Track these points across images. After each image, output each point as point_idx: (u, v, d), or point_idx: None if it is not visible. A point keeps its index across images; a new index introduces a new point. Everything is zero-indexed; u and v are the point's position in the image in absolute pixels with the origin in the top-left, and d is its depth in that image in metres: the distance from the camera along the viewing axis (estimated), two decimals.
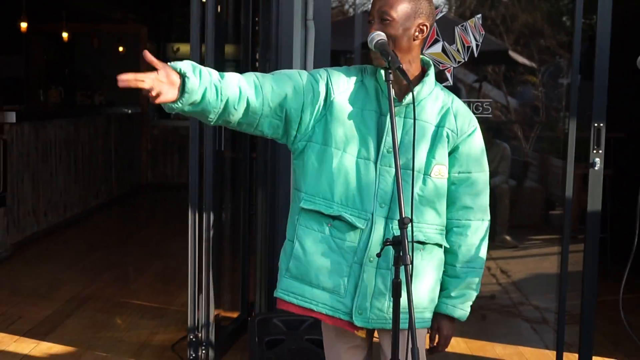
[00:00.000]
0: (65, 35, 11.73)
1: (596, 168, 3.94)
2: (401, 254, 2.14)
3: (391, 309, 2.18)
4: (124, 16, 11.30)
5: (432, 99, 2.37)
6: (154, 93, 2.05)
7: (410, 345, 2.07)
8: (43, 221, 7.67)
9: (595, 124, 3.94)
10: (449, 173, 2.39)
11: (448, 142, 2.36)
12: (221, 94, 2.17)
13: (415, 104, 2.24)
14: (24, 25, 10.35)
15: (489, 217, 2.44)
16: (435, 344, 2.45)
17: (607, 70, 3.92)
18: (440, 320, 2.43)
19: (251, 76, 2.27)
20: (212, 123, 2.26)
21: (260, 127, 2.30)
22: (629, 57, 3.33)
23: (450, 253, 2.43)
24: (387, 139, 2.30)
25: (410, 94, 2.25)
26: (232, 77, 2.22)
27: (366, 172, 2.32)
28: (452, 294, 2.42)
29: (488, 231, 2.44)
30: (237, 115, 2.23)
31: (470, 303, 2.44)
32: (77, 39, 12.68)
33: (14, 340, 4.50)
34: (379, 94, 2.35)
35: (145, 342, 4.53)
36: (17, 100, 10.18)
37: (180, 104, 2.11)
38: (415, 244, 2.33)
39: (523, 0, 4.65)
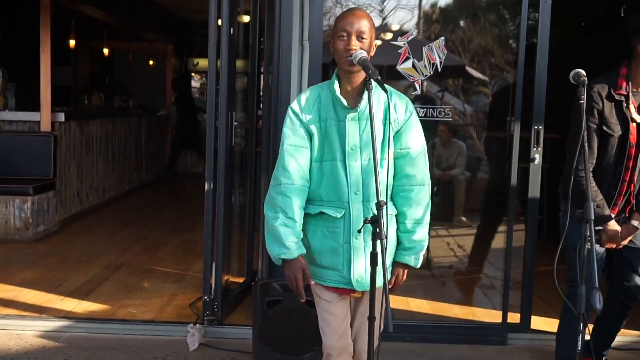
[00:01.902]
0: (106, 50, 11.65)
1: (536, 162, 3.92)
2: (377, 230, 2.16)
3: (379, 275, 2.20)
4: (154, 36, 11.21)
5: (376, 99, 2.36)
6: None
7: (384, 304, 2.11)
8: (85, 202, 7.62)
9: (535, 127, 3.92)
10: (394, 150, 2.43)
11: (393, 129, 2.40)
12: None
13: (371, 107, 2.23)
14: (72, 42, 10.29)
15: (429, 182, 2.45)
16: (392, 286, 2.48)
17: (545, 83, 3.91)
18: (398, 268, 2.46)
19: (302, 188, 2.38)
20: None
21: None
22: (562, 71, 3.33)
23: (400, 214, 2.45)
24: (350, 140, 2.34)
25: (362, 101, 2.32)
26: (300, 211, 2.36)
27: (337, 171, 2.36)
28: (406, 246, 2.44)
29: (429, 192, 2.46)
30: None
31: (422, 253, 2.45)
32: (116, 54, 12.59)
33: (60, 300, 4.46)
34: (335, 104, 2.37)
35: (167, 302, 4.48)
36: (66, 103, 10.12)
37: None
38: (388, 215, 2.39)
39: (477, 26, 4.63)
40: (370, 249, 2.22)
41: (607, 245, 3.10)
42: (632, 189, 3.09)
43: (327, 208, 2.37)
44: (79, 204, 7.41)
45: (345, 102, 2.34)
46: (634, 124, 3.00)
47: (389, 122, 2.36)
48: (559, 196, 3.35)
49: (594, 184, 3.04)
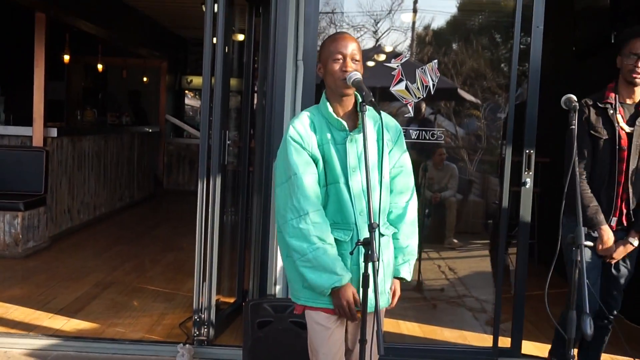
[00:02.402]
0: (100, 66, 11.67)
1: (527, 186, 3.94)
2: (370, 252, 2.16)
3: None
4: (149, 53, 11.24)
5: (368, 120, 2.38)
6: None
7: (376, 327, 2.12)
8: (76, 218, 7.58)
9: (527, 151, 3.94)
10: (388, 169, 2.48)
11: (388, 148, 2.44)
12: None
13: (365, 128, 2.26)
14: (66, 57, 10.30)
15: (415, 195, 2.53)
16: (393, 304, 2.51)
17: (537, 107, 3.94)
18: (394, 282, 2.50)
19: (322, 211, 2.34)
20: None
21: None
22: (553, 96, 3.35)
23: (396, 228, 2.48)
24: (351, 162, 2.35)
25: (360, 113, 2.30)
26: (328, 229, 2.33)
27: (341, 193, 2.35)
28: (400, 261, 2.48)
29: (416, 205, 2.53)
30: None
31: (413, 264, 2.51)
32: (110, 70, 12.61)
33: (49, 317, 4.42)
34: (330, 128, 2.38)
35: (157, 321, 4.45)
36: (58, 118, 10.11)
37: None
38: (385, 237, 2.42)
39: (470, 49, 4.67)
40: (379, 269, 2.21)
41: (602, 253, 3.23)
42: (629, 194, 3.23)
43: (334, 232, 2.34)
44: (69, 220, 7.38)
45: (345, 125, 2.36)
46: (624, 132, 3.21)
47: (383, 142, 2.38)
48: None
49: (589, 191, 3.22)
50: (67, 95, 11.60)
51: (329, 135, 2.37)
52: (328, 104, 2.38)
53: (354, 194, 2.34)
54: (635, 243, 3.24)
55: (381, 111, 2.43)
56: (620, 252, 3.25)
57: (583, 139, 3.22)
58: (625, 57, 3.18)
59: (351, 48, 2.35)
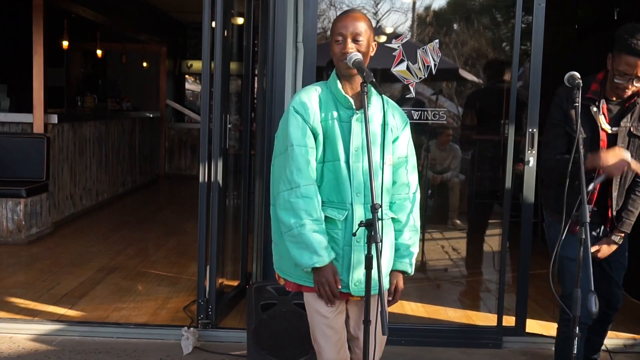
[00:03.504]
0: (99, 52, 11.62)
1: (530, 165, 3.91)
2: (372, 233, 2.15)
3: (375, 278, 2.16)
4: (148, 38, 11.18)
5: (374, 103, 2.35)
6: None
7: (380, 308, 2.08)
8: (79, 204, 7.58)
9: (530, 129, 3.91)
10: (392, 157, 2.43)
11: (392, 134, 2.39)
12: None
13: (368, 109, 2.24)
14: (65, 43, 10.25)
15: (418, 189, 2.48)
16: (393, 298, 2.44)
17: (540, 86, 3.90)
18: (396, 276, 2.42)
19: (317, 189, 2.30)
20: None
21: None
22: (554, 74, 3.31)
23: (397, 222, 2.43)
24: (354, 141, 2.30)
25: (362, 94, 2.25)
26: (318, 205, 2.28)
27: (340, 172, 2.31)
28: (403, 254, 2.42)
29: (419, 198, 2.47)
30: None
31: (415, 258, 2.45)
32: (109, 56, 12.57)
33: (53, 303, 4.42)
34: (337, 104, 2.34)
35: (161, 305, 4.46)
36: (59, 105, 10.08)
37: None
38: (387, 220, 2.38)
39: (471, 29, 4.63)
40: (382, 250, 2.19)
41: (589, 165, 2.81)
42: (609, 202, 2.98)
43: (328, 210, 2.31)
44: (72, 206, 7.37)
45: (352, 102, 2.32)
46: (605, 133, 2.91)
47: (388, 126, 2.35)
48: (542, 207, 3.31)
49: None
50: (67, 81, 11.56)
51: (335, 113, 2.33)
52: (338, 81, 2.34)
53: (354, 174, 2.30)
54: (618, 240, 3.02)
55: (389, 100, 2.42)
56: (605, 250, 3.03)
57: (557, 132, 2.92)
58: (616, 67, 2.79)
59: (351, 28, 2.29)
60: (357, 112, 2.32)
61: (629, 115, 2.92)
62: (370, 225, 2.18)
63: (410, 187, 2.44)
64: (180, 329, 3.84)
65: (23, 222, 6.14)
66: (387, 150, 2.36)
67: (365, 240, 2.24)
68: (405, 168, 2.44)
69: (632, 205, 3.02)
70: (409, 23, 4.45)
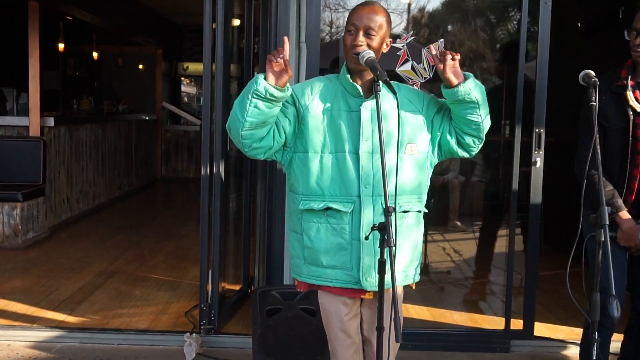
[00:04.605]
0: (95, 54, 11.51)
1: (537, 166, 3.85)
2: (386, 237, 2.07)
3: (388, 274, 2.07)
4: (144, 40, 11.08)
5: (389, 100, 2.25)
6: (276, 68, 2.09)
7: (393, 315, 2.00)
8: (75, 208, 7.48)
9: (537, 130, 3.85)
10: (444, 120, 2.30)
11: (416, 121, 2.28)
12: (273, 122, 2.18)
13: (379, 107, 2.12)
14: (61, 46, 10.15)
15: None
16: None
17: (546, 87, 3.83)
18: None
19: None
20: (245, 130, 2.16)
21: (266, 142, 2.21)
22: (558, 74, 3.26)
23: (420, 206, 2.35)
24: (364, 130, 2.21)
25: (374, 93, 2.14)
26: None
27: (345, 163, 2.22)
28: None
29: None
30: (266, 137, 2.19)
31: (472, 83, 2.21)
32: (105, 58, 12.46)
33: (52, 309, 4.33)
34: (345, 95, 2.26)
35: (162, 310, 4.37)
36: (54, 108, 9.97)
37: (279, 92, 2.10)
38: (399, 213, 2.25)
39: (467, 30, 4.58)
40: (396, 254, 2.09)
41: (624, 243, 2.84)
42: None
43: (333, 202, 2.22)
44: (69, 210, 7.28)
45: (360, 90, 2.23)
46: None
47: (404, 125, 2.26)
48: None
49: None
50: (63, 84, 11.45)
51: (342, 102, 2.25)
52: (347, 73, 2.26)
53: (363, 165, 2.21)
54: None
55: (402, 86, 2.33)
56: None
57: (591, 124, 2.80)
58: (629, 32, 2.82)
59: (366, 21, 2.20)
60: (367, 99, 2.24)
61: None
62: (383, 228, 2.10)
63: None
64: (183, 334, 3.76)
65: (20, 227, 6.05)
66: (406, 136, 2.26)
67: (373, 234, 2.13)
68: (460, 104, 2.23)
69: None
70: (413, 22, 4.38)
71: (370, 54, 2.18)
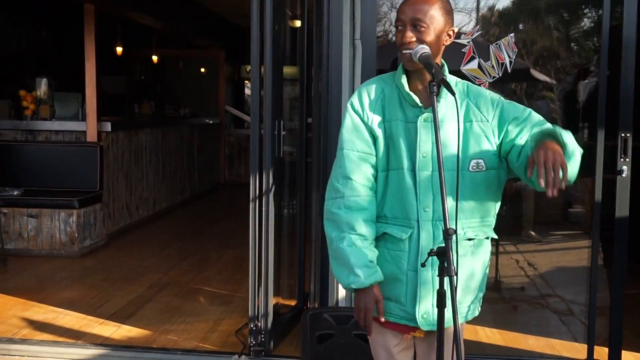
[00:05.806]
0: (154, 58, 11.54)
1: (624, 175, 3.43)
2: (446, 264, 1.77)
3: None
4: (206, 43, 11.03)
5: (449, 104, 1.95)
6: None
7: (455, 354, 1.74)
8: (135, 214, 7.41)
9: (622, 134, 3.44)
10: (517, 136, 1.93)
11: (484, 132, 1.95)
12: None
13: (438, 112, 1.82)
14: (119, 49, 10.19)
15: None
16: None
17: (633, 85, 3.43)
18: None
19: (370, 200, 1.99)
20: None
21: None
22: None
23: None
24: (422, 145, 1.92)
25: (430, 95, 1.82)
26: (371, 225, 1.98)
27: (403, 182, 1.94)
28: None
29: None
30: None
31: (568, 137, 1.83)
32: (166, 62, 12.49)
33: (99, 323, 4.18)
34: (402, 103, 1.96)
35: (212, 328, 4.14)
36: (119, 112, 10.02)
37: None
38: (465, 241, 1.98)
39: (541, 26, 4.21)
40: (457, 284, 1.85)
41: None
42: None
43: (390, 227, 1.97)
44: (127, 216, 7.21)
45: (417, 100, 1.94)
46: None
47: (468, 132, 1.95)
48: None
49: None
50: (128, 88, 11.53)
51: (400, 112, 1.96)
52: (404, 75, 1.96)
53: (420, 185, 1.92)
54: None
55: (469, 87, 2.00)
56: None
57: None
58: None
59: (411, 12, 1.89)
60: (425, 110, 1.93)
61: None
62: (442, 254, 1.80)
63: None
64: (230, 356, 3.53)
65: (76, 234, 5.98)
66: (471, 152, 1.94)
67: (436, 271, 1.85)
68: (532, 122, 1.92)
69: None
70: (480, 16, 4.04)
71: (425, 49, 1.87)
